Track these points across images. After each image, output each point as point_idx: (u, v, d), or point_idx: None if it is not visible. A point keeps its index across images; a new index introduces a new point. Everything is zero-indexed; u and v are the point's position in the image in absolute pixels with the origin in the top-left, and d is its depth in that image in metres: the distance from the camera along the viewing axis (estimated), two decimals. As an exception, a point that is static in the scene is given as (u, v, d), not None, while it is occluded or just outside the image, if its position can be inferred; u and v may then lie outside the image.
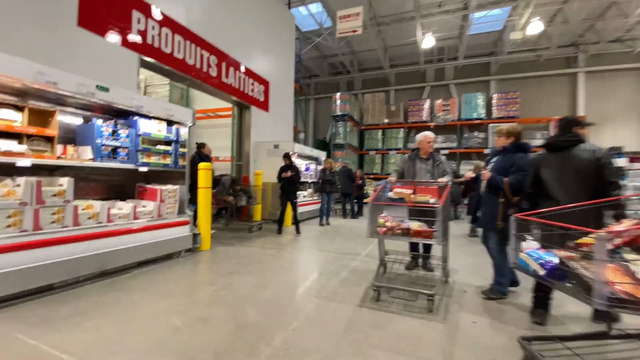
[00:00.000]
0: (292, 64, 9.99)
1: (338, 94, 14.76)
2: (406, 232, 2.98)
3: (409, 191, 3.25)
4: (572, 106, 14.38)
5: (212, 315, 2.36)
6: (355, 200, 8.93)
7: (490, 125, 14.61)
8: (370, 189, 14.84)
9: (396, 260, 3.54)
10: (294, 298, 2.78)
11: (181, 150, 4.28)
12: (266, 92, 8.17)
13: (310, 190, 8.52)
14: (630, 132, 13.59)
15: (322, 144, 16.71)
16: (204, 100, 9.14)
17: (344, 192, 8.41)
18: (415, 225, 2.95)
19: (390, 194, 3.30)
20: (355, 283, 3.18)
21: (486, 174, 3.11)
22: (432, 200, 3.16)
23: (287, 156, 5.89)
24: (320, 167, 8.98)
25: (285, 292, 2.92)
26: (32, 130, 2.86)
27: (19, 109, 2.84)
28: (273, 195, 7.21)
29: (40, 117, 3.03)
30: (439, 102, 15.47)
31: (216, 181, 5.94)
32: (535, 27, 10.19)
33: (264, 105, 8.08)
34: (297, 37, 11.66)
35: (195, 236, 4.29)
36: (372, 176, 16.37)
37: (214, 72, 6.23)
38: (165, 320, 2.27)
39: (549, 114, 14.33)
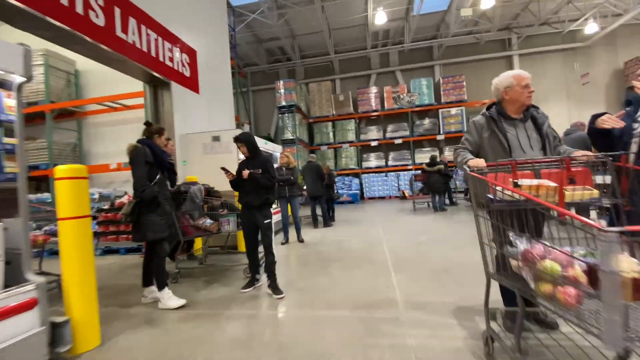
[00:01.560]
0: (226, 36, 7.68)
1: (281, 82, 12.71)
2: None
3: (553, 184, 1.50)
4: (510, 88, 14.67)
5: None
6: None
7: (441, 110, 14.18)
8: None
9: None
10: None
11: (6, 140, 1.88)
12: (193, 65, 5.78)
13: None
14: (561, 109, 14.35)
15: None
16: (106, 85, 6.35)
17: (313, 195, 6.49)
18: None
19: (509, 193, 1.51)
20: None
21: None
22: (605, 201, 1.48)
23: (243, 140, 3.16)
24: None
25: None
26: None
27: None
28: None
29: None
30: (387, 89, 14.54)
31: (179, 195, 3.45)
32: (487, 1, 9.61)
33: (190, 83, 5.69)
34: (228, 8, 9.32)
35: (57, 330, 1.94)
36: (326, 174, 14.75)
37: (99, 20, 3.74)
38: None
39: (491, 96, 14.39)
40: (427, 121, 14.42)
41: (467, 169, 1.76)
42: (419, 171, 10.52)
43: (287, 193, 5.33)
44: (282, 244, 5.32)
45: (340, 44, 14.83)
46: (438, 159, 8.53)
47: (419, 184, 8.98)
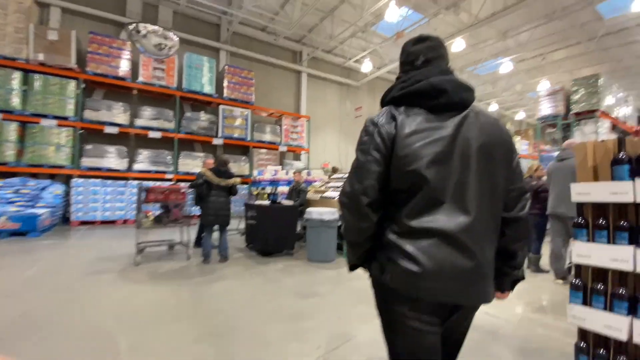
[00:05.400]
0: None
1: None
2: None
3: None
4: (296, 105, 13.69)
5: None
6: None
7: (222, 107, 10.79)
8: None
9: None
10: None
11: None
12: None
13: None
14: (334, 138, 14.81)
15: None
16: None
17: None
18: None
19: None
20: None
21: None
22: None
23: None
24: None
25: None
26: None
27: None
28: None
29: None
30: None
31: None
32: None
33: None
34: None
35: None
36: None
37: None
38: None
39: (278, 107, 12.73)
40: (203, 116, 10.56)
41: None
42: (184, 182, 6.34)
43: None
44: None
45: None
46: (229, 166, 4.81)
47: (155, 208, 4.82)
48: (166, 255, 4.83)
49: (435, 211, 1.00)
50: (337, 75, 14.54)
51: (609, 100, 9.54)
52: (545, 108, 10.47)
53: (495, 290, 1.17)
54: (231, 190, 4.53)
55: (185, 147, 10.55)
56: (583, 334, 1.48)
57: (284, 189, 8.23)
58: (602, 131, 9.20)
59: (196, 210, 5.39)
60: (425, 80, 1.07)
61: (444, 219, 0.99)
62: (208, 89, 10.52)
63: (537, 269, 4.58)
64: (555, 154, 10.32)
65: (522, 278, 1.19)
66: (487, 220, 1.05)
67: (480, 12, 10.16)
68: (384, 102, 1.19)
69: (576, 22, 10.74)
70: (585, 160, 1.48)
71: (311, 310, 2.91)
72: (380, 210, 1.10)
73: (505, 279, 1.17)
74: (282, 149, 11.98)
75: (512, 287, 1.20)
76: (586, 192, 1.47)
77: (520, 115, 20.40)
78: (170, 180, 9.63)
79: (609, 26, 10.90)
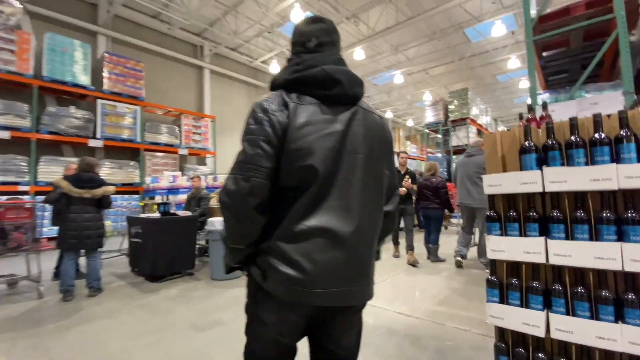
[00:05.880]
0: None
1: None
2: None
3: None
4: (199, 103, 12.47)
5: None
6: None
7: (101, 102, 8.94)
8: None
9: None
10: None
11: None
12: None
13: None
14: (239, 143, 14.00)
15: None
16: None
17: None
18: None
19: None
20: None
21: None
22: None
23: None
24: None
25: None
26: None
27: None
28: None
29: None
30: (-16, 24, 7.13)
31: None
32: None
33: None
34: None
35: None
36: None
37: None
38: None
39: (175, 105, 11.32)
40: (75, 112, 8.55)
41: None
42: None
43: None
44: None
45: None
46: (97, 171, 3.75)
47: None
48: (5, 296, 3.49)
49: (322, 211, 0.95)
50: (244, 75, 13.85)
51: (475, 110, 11.47)
52: (430, 116, 12.01)
53: None
54: (101, 203, 3.57)
55: (49, 150, 8.39)
56: (501, 333, 1.41)
57: (185, 197, 7.23)
58: (472, 135, 10.97)
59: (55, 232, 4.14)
60: (319, 67, 1.00)
61: (331, 219, 0.95)
62: (82, 79, 8.60)
63: (437, 259, 4.99)
64: (439, 155, 11.93)
65: (378, 258, 1.21)
66: (372, 218, 1.03)
67: (377, 26, 11.01)
68: (274, 86, 1.09)
69: (451, 43, 12.63)
70: (495, 151, 1.45)
71: (211, 346, 2.37)
72: (268, 213, 0.98)
73: None
74: (183, 152, 10.67)
75: None
76: (497, 183, 1.43)
77: (410, 122, 23.21)
78: (25, 193, 7.50)
79: (474, 48, 13.19)
